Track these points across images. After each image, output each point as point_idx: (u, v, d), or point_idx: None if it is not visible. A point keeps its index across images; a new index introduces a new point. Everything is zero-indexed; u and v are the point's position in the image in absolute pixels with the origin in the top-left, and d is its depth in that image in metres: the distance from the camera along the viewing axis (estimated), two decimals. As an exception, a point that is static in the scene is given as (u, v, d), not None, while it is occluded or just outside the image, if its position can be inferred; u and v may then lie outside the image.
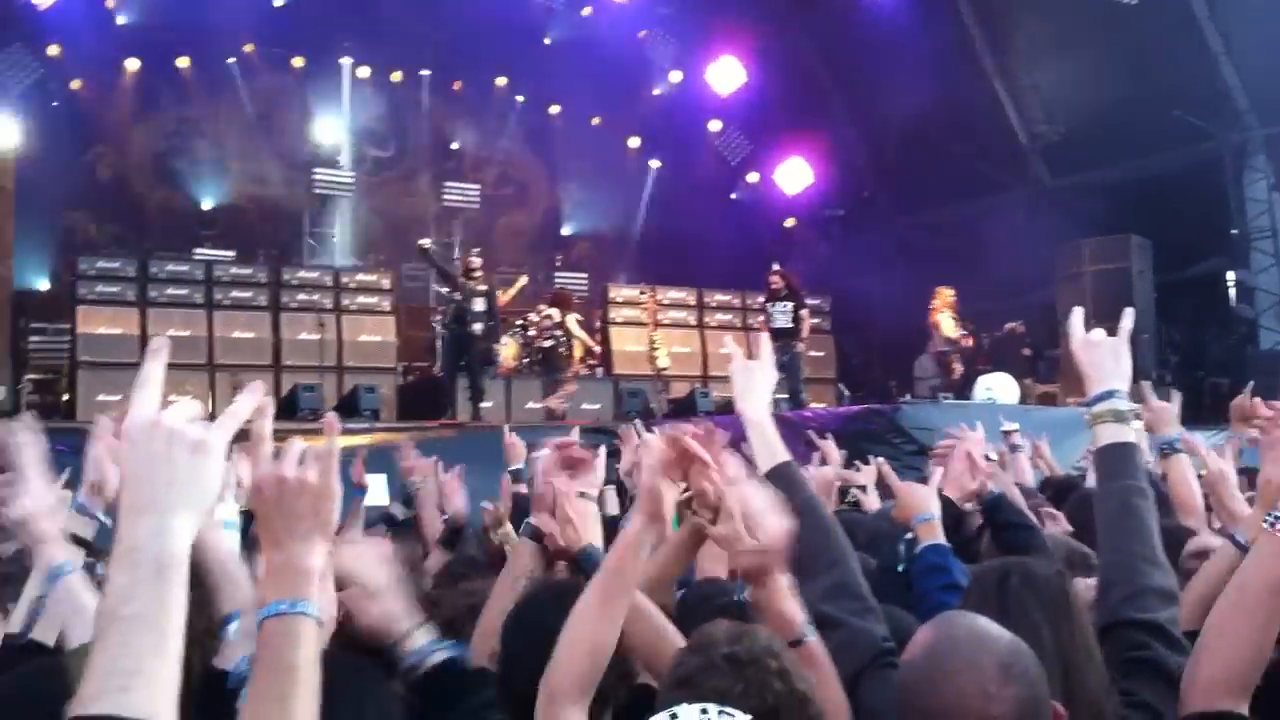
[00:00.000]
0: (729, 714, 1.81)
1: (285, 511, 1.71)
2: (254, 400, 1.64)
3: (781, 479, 2.65)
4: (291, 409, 13.03)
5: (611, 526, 2.95)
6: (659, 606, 2.55)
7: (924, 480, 3.89)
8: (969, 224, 18.11)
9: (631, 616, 2.30)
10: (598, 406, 15.07)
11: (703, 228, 20.10)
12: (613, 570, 2.27)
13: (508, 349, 15.48)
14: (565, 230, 21.24)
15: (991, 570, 2.73)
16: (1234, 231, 16.27)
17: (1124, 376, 2.78)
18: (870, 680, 2.40)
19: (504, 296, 15.99)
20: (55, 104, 17.19)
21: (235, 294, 15.10)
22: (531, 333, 15.46)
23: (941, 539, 3.52)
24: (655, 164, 21.45)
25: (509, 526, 4.42)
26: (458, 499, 5.16)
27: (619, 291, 17.41)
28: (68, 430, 10.97)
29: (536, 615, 2.50)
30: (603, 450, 3.14)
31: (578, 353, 15.56)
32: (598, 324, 17.11)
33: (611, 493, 5.03)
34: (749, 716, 1.82)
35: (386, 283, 16.08)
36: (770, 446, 2.75)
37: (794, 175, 20.71)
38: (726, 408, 13.99)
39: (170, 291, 14.65)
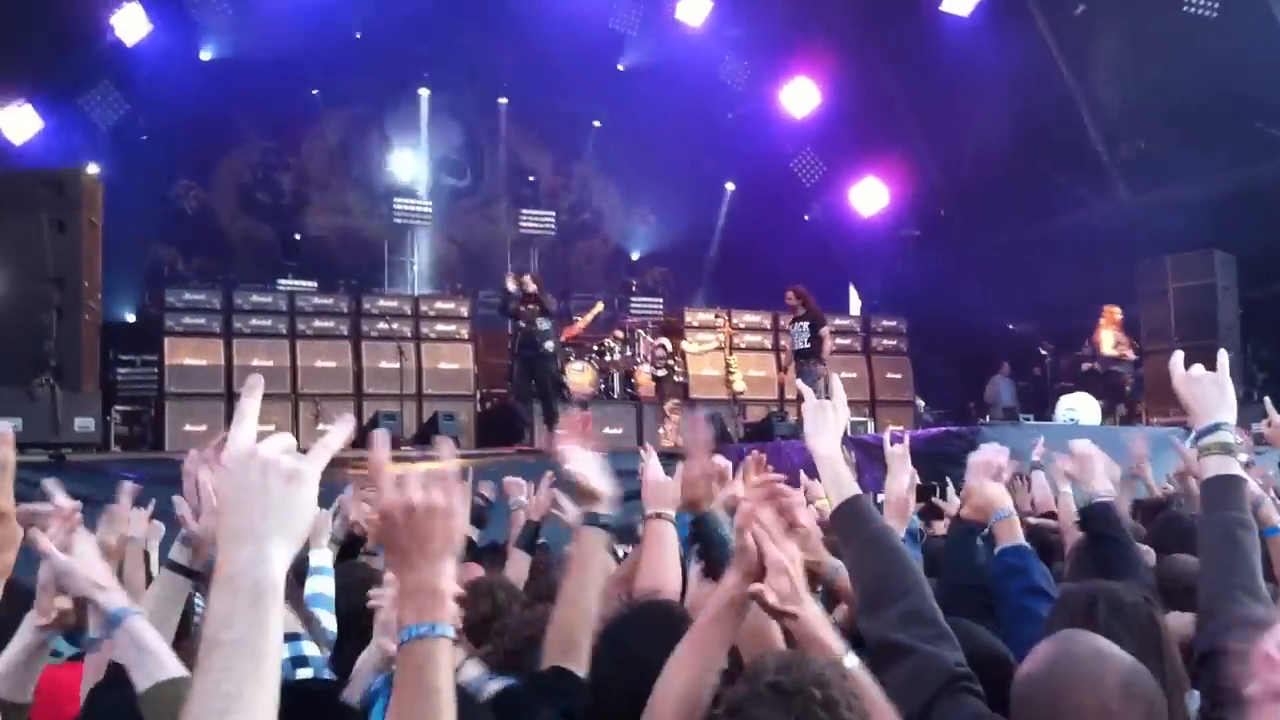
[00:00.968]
0: None
1: (416, 535, 1.79)
2: (346, 432, 1.68)
3: (851, 512, 2.69)
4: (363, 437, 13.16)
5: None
6: (586, 629, 2.67)
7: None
8: (1048, 242, 17.89)
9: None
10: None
11: (778, 250, 20.08)
12: (708, 625, 2.29)
13: (584, 374, 15.55)
14: (640, 255, 21.34)
15: (1079, 594, 2.73)
16: (1320, 244, 15.94)
17: (1230, 408, 2.83)
18: (945, 705, 2.39)
19: (581, 322, 16.08)
20: (143, 138, 17.64)
21: (317, 323, 15.32)
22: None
23: (1021, 539, 3.50)
24: (730, 186, 21.48)
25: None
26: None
27: (694, 315, 17.42)
28: (155, 461, 11.25)
29: (629, 639, 2.54)
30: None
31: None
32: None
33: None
34: None
35: (464, 310, 16.24)
36: (840, 481, 2.77)
37: (869, 196, 20.61)
38: (751, 434, 13.99)
39: (254, 322, 14.90)
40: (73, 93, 16.64)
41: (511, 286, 14.00)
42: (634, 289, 20.12)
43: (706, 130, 20.09)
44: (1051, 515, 5.08)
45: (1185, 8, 15.47)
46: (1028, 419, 14.13)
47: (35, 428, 10.96)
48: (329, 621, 3.68)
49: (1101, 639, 2.08)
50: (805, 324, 14.34)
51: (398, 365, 14.87)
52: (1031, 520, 5.23)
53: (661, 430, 14.65)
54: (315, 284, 17.25)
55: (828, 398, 2.87)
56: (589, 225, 21.50)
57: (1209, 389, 2.85)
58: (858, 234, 20.75)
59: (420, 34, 18.58)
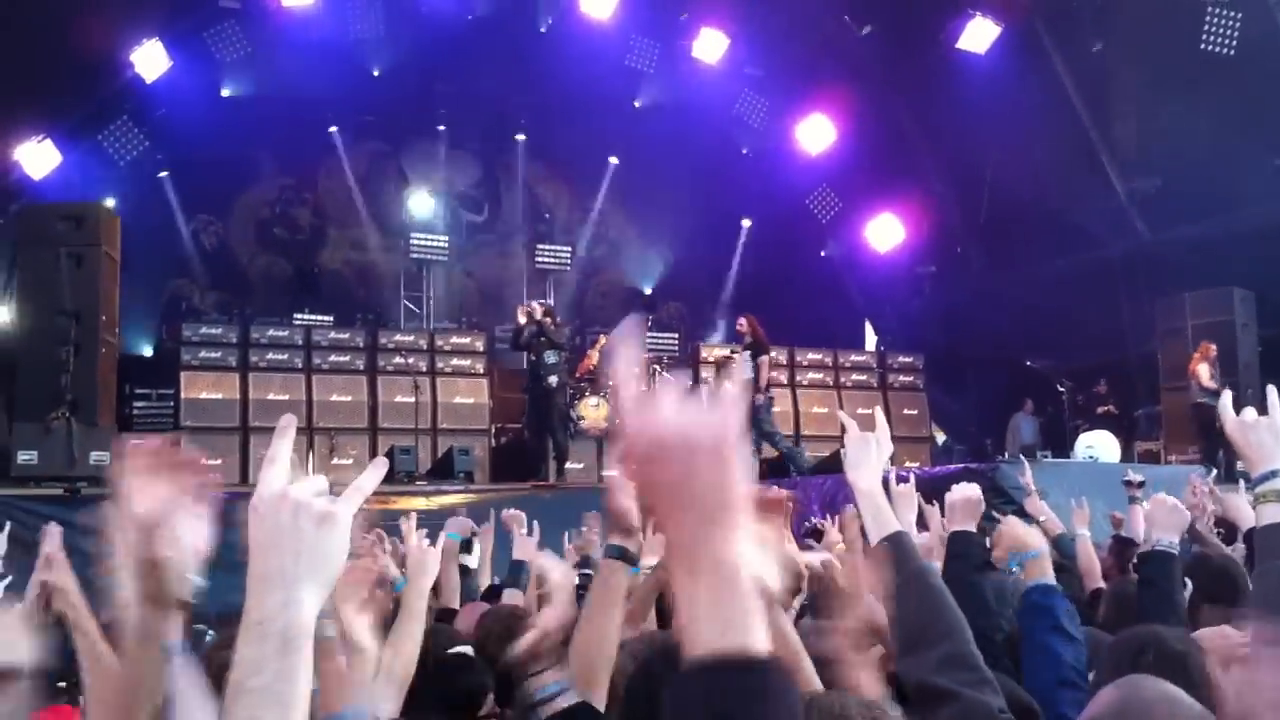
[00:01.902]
0: None
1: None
2: (379, 475, 1.62)
3: (893, 549, 2.65)
4: (388, 471, 13.15)
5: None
6: (605, 660, 2.62)
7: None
8: (1065, 279, 17.83)
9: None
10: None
11: (794, 286, 20.08)
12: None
13: (599, 410, 15.53)
14: (656, 290, 21.33)
15: (1127, 641, 2.68)
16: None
17: None
18: None
19: (591, 356, 16.07)
20: (161, 174, 17.76)
21: (334, 358, 15.37)
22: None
23: (1051, 578, 3.44)
24: (746, 223, 21.49)
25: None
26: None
27: (710, 351, 17.39)
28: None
29: (663, 676, 2.52)
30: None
31: None
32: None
33: None
34: None
35: (480, 345, 16.28)
36: (881, 517, 2.75)
37: (885, 232, 20.58)
38: (820, 468, 13.88)
39: (270, 356, 14.95)
40: (92, 128, 16.77)
41: (521, 318, 14.03)
42: (650, 324, 20.11)
43: (723, 167, 20.14)
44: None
45: (1203, 45, 15.46)
46: (1046, 456, 14.03)
47: (51, 461, 10.98)
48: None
49: (1170, 685, 2.03)
50: (748, 353, 14.30)
51: (413, 400, 14.88)
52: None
53: None
54: (332, 318, 17.30)
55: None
56: (605, 261, 21.53)
57: (1264, 435, 2.78)
58: (874, 270, 20.72)
59: (438, 71, 18.72)
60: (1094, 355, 16.86)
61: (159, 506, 1.98)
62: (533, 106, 19.49)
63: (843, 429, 3.03)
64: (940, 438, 17.90)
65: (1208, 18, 15.41)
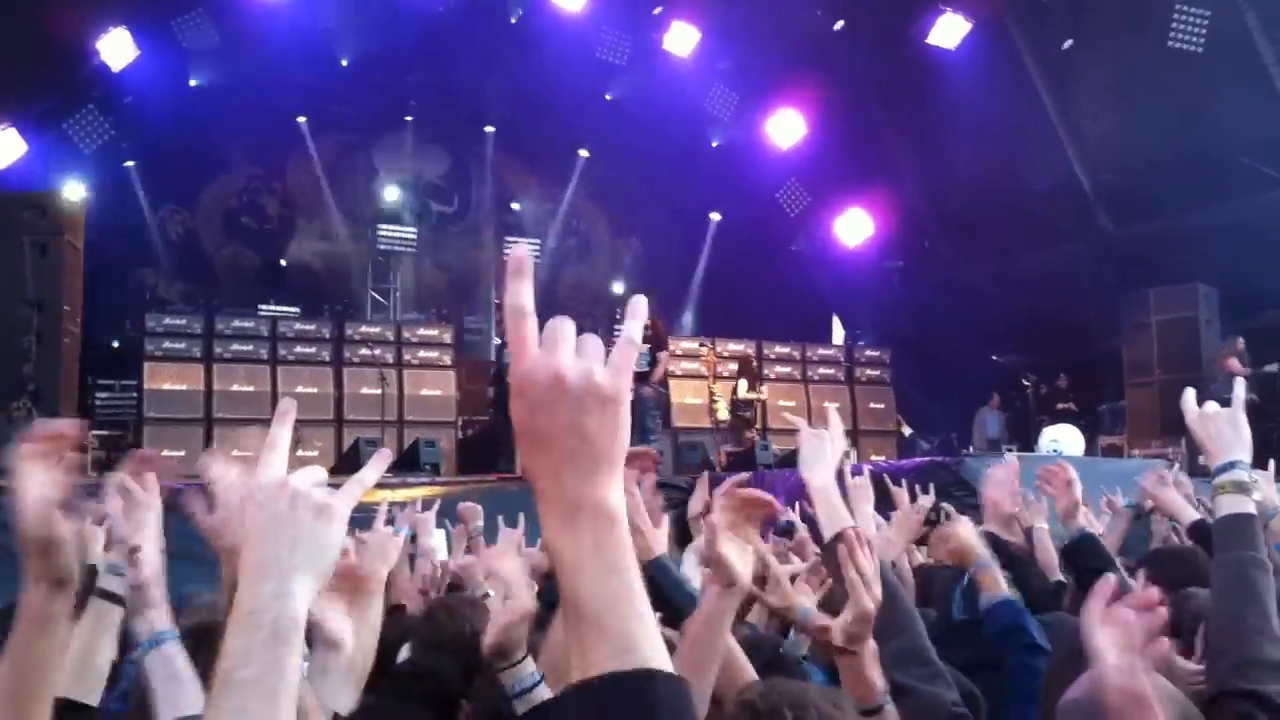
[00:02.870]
0: None
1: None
2: (381, 468, 1.60)
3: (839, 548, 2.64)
4: (354, 463, 13.12)
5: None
6: None
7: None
8: (1032, 274, 17.94)
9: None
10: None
11: (762, 280, 20.11)
12: (694, 643, 2.28)
13: None
14: (626, 283, 21.31)
15: (1072, 627, 2.70)
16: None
17: (1245, 446, 2.82)
18: None
19: None
20: (127, 163, 17.62)
21: (299, 349, 15.27)
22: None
23: (1005, 590, 3.45)
24: (715, 216, 21.50)
25: None
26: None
27: (678, 344, 17.38)
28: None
29: None
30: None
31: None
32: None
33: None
34: None
35: (447, 337, 16.21)
36: (834, 513, 2.76)
37: (854, 227, 20.64)
38: (787, 461, 13.90)
39: (235, 347, 14.84)
40: (57, 117, 16.62)
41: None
42: (618, 316, 20.07)
43: (693, 161, 20.13)
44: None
45: (1170, 43, 15.55)
46: (1010, 449, 14.10)
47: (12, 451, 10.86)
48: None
49: (1155, 673, 2.06)
50: (648, 346, 14.34)
51: (379, 392, 14.81)
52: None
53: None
54: (298, 310, 17.20)
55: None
56: (575, 253, 21.50)
57: (1223, 426, 2.84)
58: (842, 265, 20.77)
59: (407, 62, 18.62)
60: (1059, 350, 16.95)
61: (52, 487, 1.95)
62: (503, 98, 19.42)
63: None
64: (906, 431, 17.95)
65: (1176, 15, 15.51)
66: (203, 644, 2.65)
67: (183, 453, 13.00)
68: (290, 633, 1.38)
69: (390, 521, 5.30)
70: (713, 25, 18.83)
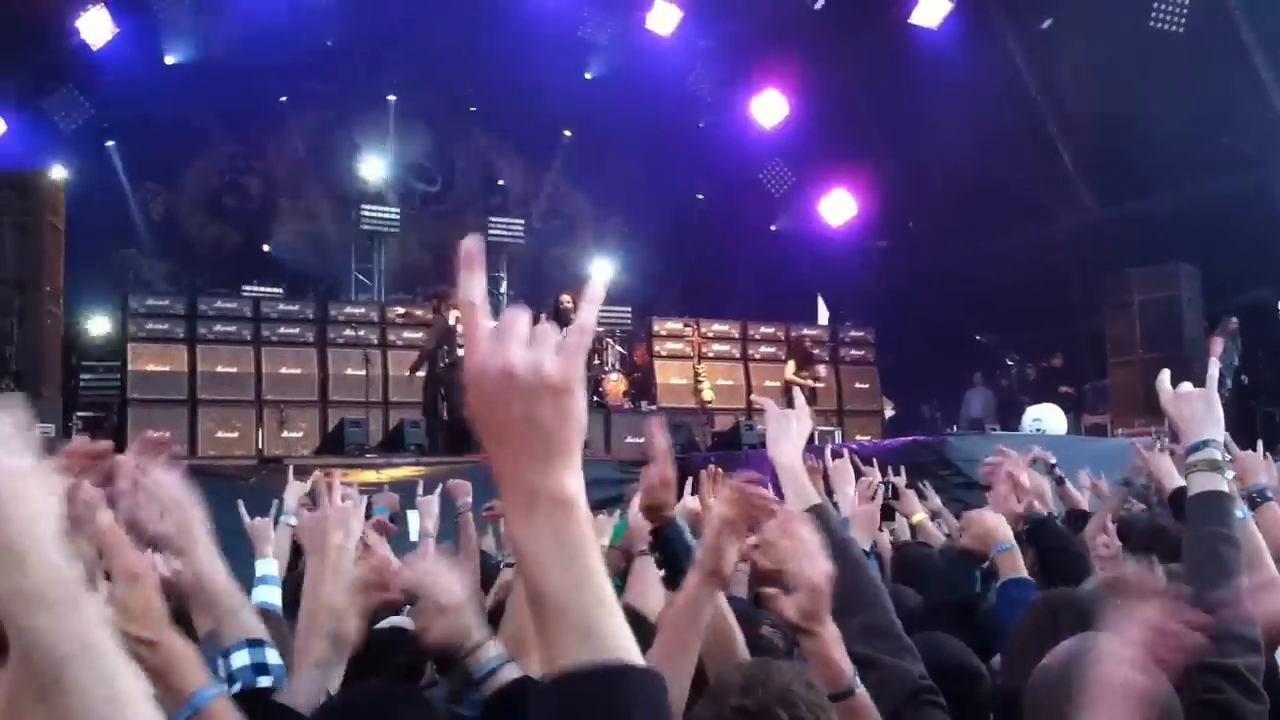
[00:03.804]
0: None
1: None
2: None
3: (814, 522, 2.64)
4: (338, 444, 13.13)
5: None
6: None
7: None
8: (1015, 253, 18.00)
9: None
10: (641, 440, 14.97)
11: (746, 260, 20.14)
12: (673, 630, 2.29)
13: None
14: (610, 262, 21.26)
15: (1040, 604, 2.73)
16: (1285, 259, 16.10)
17: (1217, 423, 2.85)
18: (910, 717, 2.38)
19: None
20: (108, 142, 17.51)
21: (283, 330, 15.24)
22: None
23: (1023, 571, 3.49)
24: (699, 196, 21.49)
25: None
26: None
27: (663, 325, 17.39)
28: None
29: None
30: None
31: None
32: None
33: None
34: None
35: (432, 317, 16.16)
36: (801, 490, 2.81)
37: (838, 207, 20.68)
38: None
39: (219, 328, 14.80)
40: (36, 96, 16.54)
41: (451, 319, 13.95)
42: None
43: (676, 140, 20.08)
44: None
45: (1152, 23, 15.59)
46: (994, 429, 14.17)
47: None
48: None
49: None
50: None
51: (364, 372, 14.79)
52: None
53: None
54: (281, 290, 17.14)
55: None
56: (560, 233, 21.45)
57: (1197, 405, 2.87)
58: (826, 244, 20.80)
59: (390, 41, 18.52)
60: (1042, 329, 17.02)
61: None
62: (486, 77, 19.30)
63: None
64: (890, 411, 18.02)
65: (1157, -5, 15.56)
66: None
67: (167, 433, 12.92)
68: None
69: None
70: (695, 4, 18.80)
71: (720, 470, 3.53)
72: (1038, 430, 13.22)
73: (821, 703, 2.04)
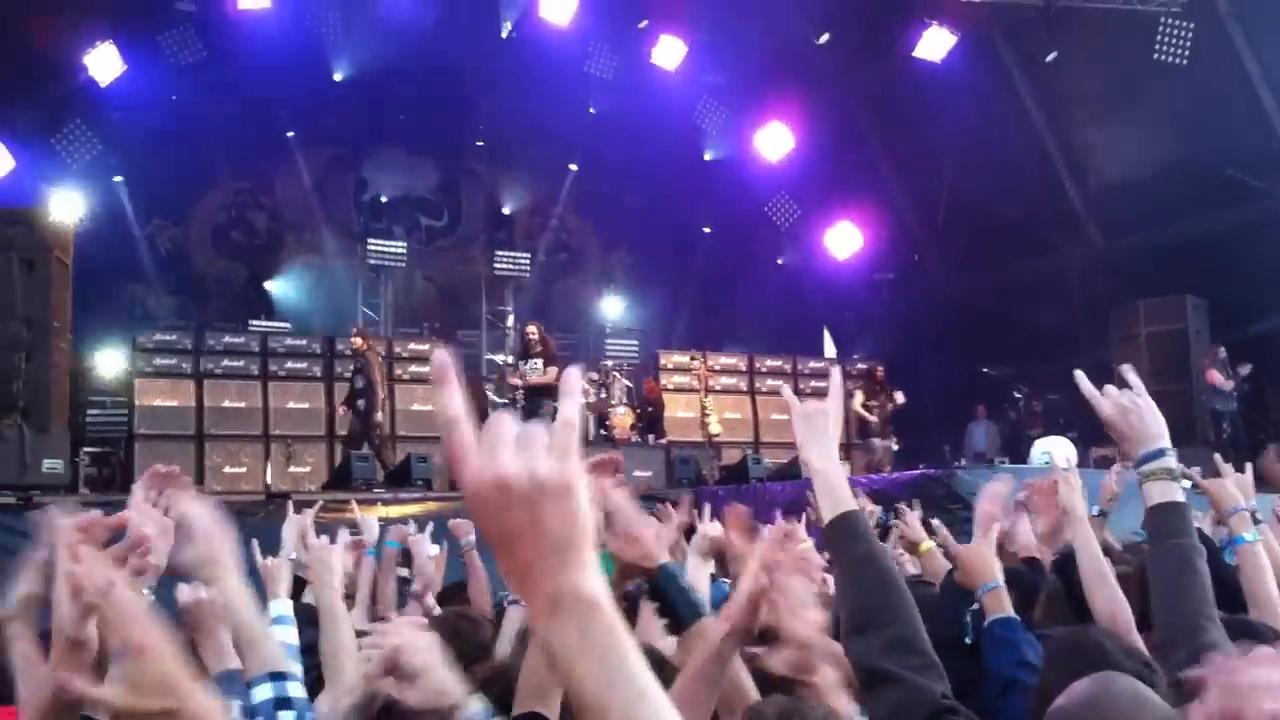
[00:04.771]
0: None
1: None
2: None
3: (845, 528, 2.58)
4: (345, 479, 13.11)
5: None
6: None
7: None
8: (1020, 285, 18.00)
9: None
10: (649, 474, 14.97)
11: (753, 293, 20.16)
12: (698, 680, 2.27)
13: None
14: (616, 296, 21.29)
15: (1061, 642, 2.72)
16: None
17: (1164, 433, 2.83)
18: None
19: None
20: (116, 178, 17.59)
21: (290, 365, 15.26)
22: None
23: (1009, 610, 3.45)
24: (705, 229, 21.53)
25: None
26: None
27: (670, 358, 17.38)
28: (123, 503, 11.11)
29: None
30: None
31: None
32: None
33: None
34: None
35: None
36: (835, 495, 2.61)
37: (843, 239, 20.69)
38: (779, 474, 13.91)
39: (226, 363, 14.82)
40: (45, 131, 16.59)
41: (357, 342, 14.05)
42: (609, 330, 20.07)
43: (682, 174, 20.14)
44: (1032, 560, 5.04)
45: (1156, 55, 15.62)
46: (1003, 463, 14.12)
47: (3, 469, 10.84)
48: (297, 670, 3.62)
49: (1141, 684, 2.07)
50: (540, 360, 14.41)
51: (372, 407, 14.77)
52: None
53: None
54: (289, 325, 17.17)
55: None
56: (566, 266, 21.50)
57: (1144, 416, 2.84)
58: (832, 277, 20.82)
59: (397, 76, 18.61)
60: (1049, 361, 16.98)
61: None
62: (493, 112, 19.43)
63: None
64: (895, 445, 17.98)
65: (1160, 28, 15.58)
66: None
67: (177, 467, 12.93)
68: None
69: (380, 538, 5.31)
70: (699, 39, 18.85)
71: (745, 510, 3.47)
72: (1046, 463, 13.17)
73: None
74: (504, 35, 18.81)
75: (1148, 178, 15.92)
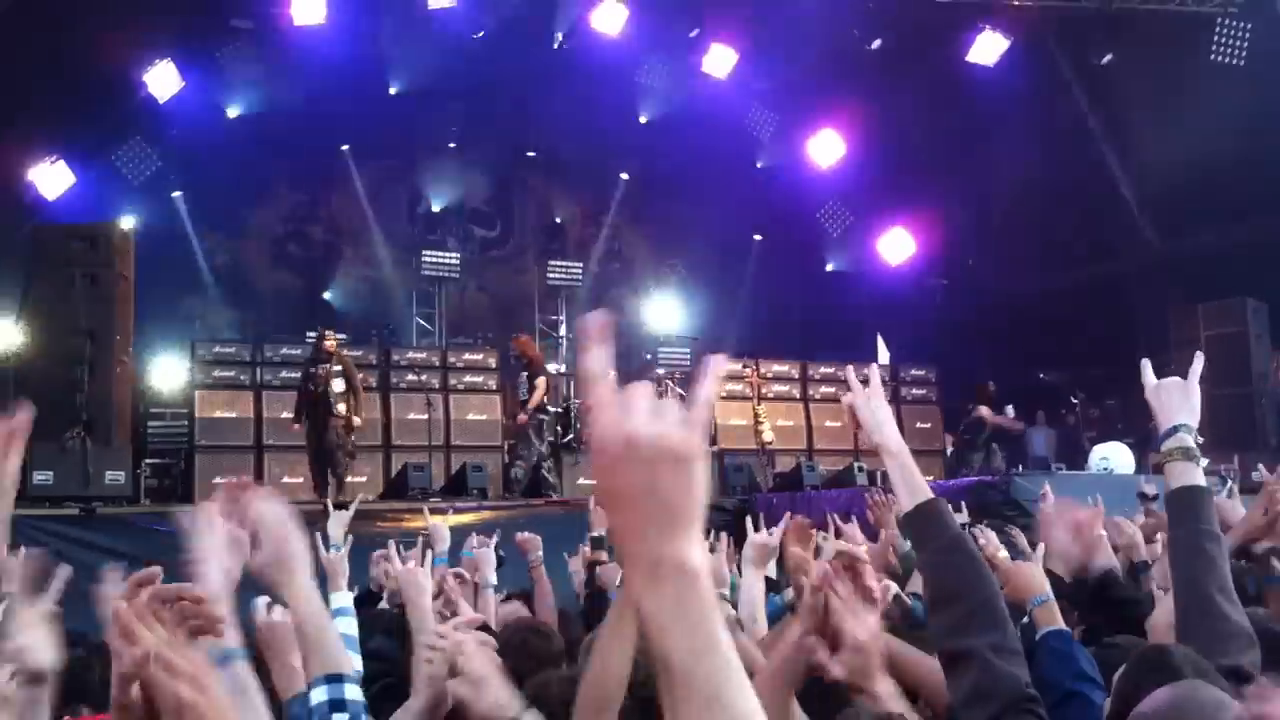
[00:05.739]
0: None
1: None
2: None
3: (930, 514, 2.60)
4: (402, 488, 13.23)
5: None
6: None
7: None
8: (1078, 290, 17.83)
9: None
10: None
11: (805, 300, 20.11)
12: (772, 685, 2.30)
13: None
14: (668, 304, 21.28)
15: (1140, 656, 2.72)
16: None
17: (1193, 411, 2.87)
18: None
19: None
20: (175, 193, 17.86)
21: (346, 376, 15.37)
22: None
23: (1061, 623, 3.44)
24: (758, 237, 21.51)
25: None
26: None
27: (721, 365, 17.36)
28: (184, 514, 11.26)
29: None
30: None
31: None
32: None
33: None
34: None
35: (492, 361, 16.26)
36: (913, 482, 2.62)
37: (896, 245, 20.62)
38: (833, 482, 13.87)
39: (284, 374, 14.96)
40: (105, 149, 16.90)
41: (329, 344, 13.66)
42: (661, 340, 20.05)
43: (734, 182, 20.11)
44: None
45: (1213, 56, 15.46)
46: (1060, 469, 13.99)
47: (66, 481, 11.03)
48: (356, 663, 3.67)
49: (1224, 693, 2.09)
50: (524, 374, 14.40)
51: (426, 417, 14.89)
52: None
53: None
54: (344, 336, 17.32)
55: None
56: (618, 275, 21.55)
57: (1174, 393, 2.89)
58: (885, 284, 20.71)
59: (450, 88, 18.76)
60: (1106, 367, 16.81)
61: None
62: (545, 122, 19.52)
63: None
64: (949, 449, 17.88)
65: (1217, 29, 15.43)
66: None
67: (245, 476, 13.08)
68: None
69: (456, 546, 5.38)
70: (750, 47, 18.84)
71: (806, 520, 3.49)
72: (1105, 470, 13.05)
73: None
74: (555, 46, 18.90)
75: (1204, 180, 15.71)
